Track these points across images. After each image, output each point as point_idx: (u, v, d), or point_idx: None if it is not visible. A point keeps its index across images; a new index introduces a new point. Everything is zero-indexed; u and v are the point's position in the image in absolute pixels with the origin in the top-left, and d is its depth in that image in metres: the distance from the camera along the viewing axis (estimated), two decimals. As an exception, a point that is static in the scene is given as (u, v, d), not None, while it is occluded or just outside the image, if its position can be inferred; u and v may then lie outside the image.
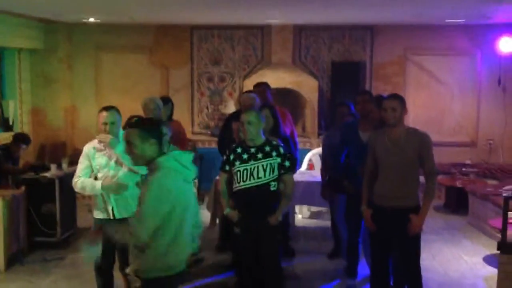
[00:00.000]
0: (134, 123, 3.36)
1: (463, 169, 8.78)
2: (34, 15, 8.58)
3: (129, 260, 4.79)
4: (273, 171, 4.55)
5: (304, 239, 7.14)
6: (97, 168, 4.58)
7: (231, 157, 4.63)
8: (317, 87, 9.42)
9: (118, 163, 4.51)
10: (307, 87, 9.41)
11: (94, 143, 4.66)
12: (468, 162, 9.11)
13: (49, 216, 6.45)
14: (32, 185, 6.45)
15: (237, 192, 4.64)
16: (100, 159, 4.58)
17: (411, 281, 4.58)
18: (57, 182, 6.49)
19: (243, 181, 4.55)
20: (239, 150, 4.63)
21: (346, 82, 9.12)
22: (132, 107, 6.33)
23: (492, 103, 9.67)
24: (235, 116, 6.08)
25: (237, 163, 4.58)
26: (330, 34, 9.79)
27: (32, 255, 6.32)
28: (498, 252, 5.07)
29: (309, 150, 8.53)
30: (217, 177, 4.93)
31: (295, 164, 5.50)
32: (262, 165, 4.53)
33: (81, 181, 4.56)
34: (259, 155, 4.56)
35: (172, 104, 6.42)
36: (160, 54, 9.96)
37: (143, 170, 4.56)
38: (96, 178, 4.59)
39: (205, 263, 6.16)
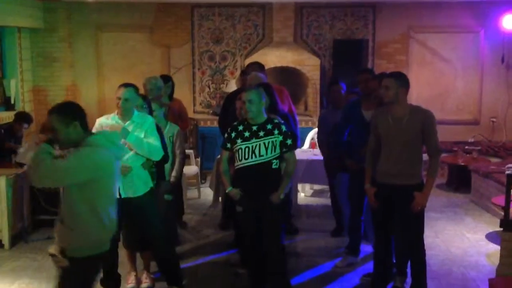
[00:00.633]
0: (52, 109, 3.34)
1: (466, 147, 8.76)
2: (34, -6, 8.51)
3: (135, 239, 4.85)
4: (274, 149, 4.54)
5: (307, 217, 7.16)
6: None
7: (233, 135, 4.62)
8: (319, 65, 9.37)
9: (127, 146, 4.50)
10: (309, 65, 9.36)
11: (106, 117, 4.66)
12: (471, 140, 9.08)
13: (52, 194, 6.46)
14: (35, 164, 6.44)
15: (238, 170, 4.63)
16: None
17: (414, 258, 4.60)
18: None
19: (245, 159, 4.54)
20: (240, 128, 4.61)
21: (348, 60, 9.04)
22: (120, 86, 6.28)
23: (496, 81, 9.62)
24: (236, 95, 6.06)
25: (239, 141, 4.57)
26: (332, 12, 9.71)
27: (36, 233, 6.35)
28: (501, 229, 5.09)
29: (311, 129, 8.51)
30: (219, 156, 4.92)
31: (296, 141, 5.49)
32: (264, 143, 4.52)
33: None
34: (261, 133, 4.54)
35: (173, 83, 6.40)
36: (160, 32, 9.89)
37: (149, 154, 4.62)
38: None
39: (207, 240, 6.27)
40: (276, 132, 4.55)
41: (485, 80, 9.66)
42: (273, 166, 4.57)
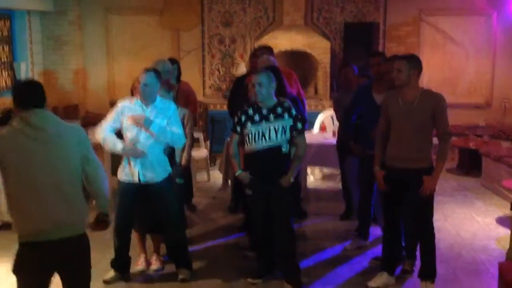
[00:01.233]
0: None
1: (477, 130, 8.70)
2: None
3: (146, 221, 4.88)
4: (284, 133, 4.53)
5: (316, 201, 7.15)
6: (126, 126, 4.57)
7: (243, 118, 4.60)
8: (330, 48, 9.31)
9: (150, 134, 4.51)
10: (319, 48, 9.30)
11: (130, 101, 4.66)
12: (482, 123, 9.02)
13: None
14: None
15: (248, 154, 4.63)
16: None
17: (424, 241, 4.59)
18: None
19: (255, 143, 4.54)
20: (250, 111, 4.60)
21: (359, 43, 8.98)
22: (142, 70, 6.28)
23: (508, 64, 9.50)
24: (245, 78, 6.04)
25: (249, 124, 4.55)
26: (343, -5, 9.63)
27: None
28: (511, 213, 5.06)
29: (321, 112, 8.48)
30: (229, 139, 4.92)
31: (304, 124, 5.48)
32: (274, 127, 4.51)
33: (104, 134, 4.54)
34: (271, 117, 4.53)
35: (179, 66, 6.36)
36: (170, 16, 9.86)
37: (172, 142, 4.62)
38: (120, 136, 4.59)
39: (216, 223, 6.29)
40: (286, 115, 4.54)
41: (497, 63, 9.56)
42: (283, 150, 4.56)
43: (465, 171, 8.45)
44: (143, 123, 4.46)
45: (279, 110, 4.55)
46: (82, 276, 3.29)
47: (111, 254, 4.84)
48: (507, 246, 5.08)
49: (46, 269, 3.14)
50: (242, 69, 9.07)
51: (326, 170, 8.23)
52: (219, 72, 9.96)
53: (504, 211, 6.54)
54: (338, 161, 6.40)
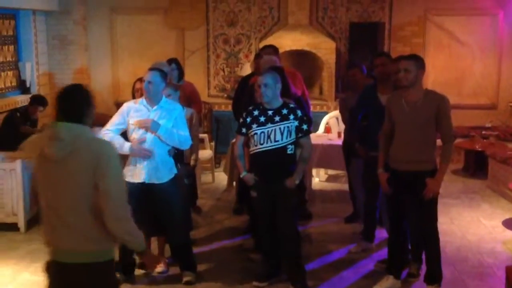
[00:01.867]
0: None
1: (483, 132, 8.65)
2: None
3: (151, 223, 4.86)
4: (290, 134, 4.50)
5: (321, 203, 7.12)
6: (132, 128, 4.56)
7: (248, 120, 4.58)
8: (335, 48, 9.26)
9: (157, 136, 4.51)
10: (325, 48, 9.26)
11: (135, 101, 4.65)
12: (488, 125, 8.96)
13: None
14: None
15: (254, 155, 4.61)
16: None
17: (428, 245, 4.56)
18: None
19: (260, 144, 4.51)
20: (256, 113, 4.57)
21: (364, 43, 8.95)
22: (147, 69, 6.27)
23: (514, 65, 9.46)
24: (250, 78, 6.01)
25: (254, 126, 4.53)
26: (348, -6, 9.59)
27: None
28: (518, 216, 5.03)
29: (326, 113, 8.45)
30: (234, 140, 4.90)
31: (310, 126, 5.45)
32: (280, 128, 4.49)
33: (110, 136, 4.51)
34: (276, 118, 4.50)
35: (179, 65, 6.31)
36: (175, 15, 9.83)
37: (179, 144, 4.57)
38: (126, 138, 4.58)
39: (221, 225, 6.27)
40: (291, 117, 4.51)
41: (503, 64, 9.50)
42: (288, 152, 4.54)
43: (471, 173, 8.40)
44: (150, 127, 4.45)
45: (284, 111, 4.53)
46: None
47: (115, 257, 4.81)
48: (514, 249, 5.05)
49: (58, 286, 2.94)
50: (247, 69, 9.05)
51: (331, 172, 8.21)
52: (224, 72, 9.94)
53: (510, 213, 6.50)
54: (343, 163, 6.37)
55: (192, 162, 5.42)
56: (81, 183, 2.74)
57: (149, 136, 4.51)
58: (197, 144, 5.49)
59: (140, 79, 4.95)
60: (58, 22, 9.53)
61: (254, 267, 5.02)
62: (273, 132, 4.49)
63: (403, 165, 4.40)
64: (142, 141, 4.50)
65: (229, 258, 5.36)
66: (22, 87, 8.94)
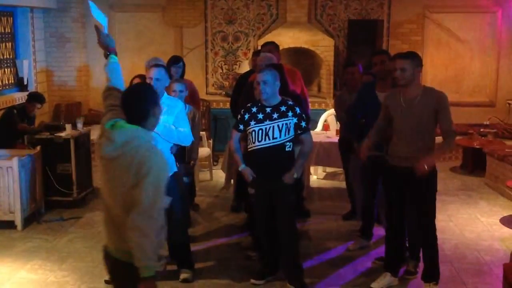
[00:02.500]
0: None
1: (481, 129, 8.65)
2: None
3: None
4: (288, 132, 4.49)
5: (319, 200, 7.12)
6: None
7: (246, 117, 4.57)
8: (333, 46, 9.26)
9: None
10: (323, 46, 9.26)
11: None
12: (486, 122, 8.97)
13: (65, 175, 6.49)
14: (48, 145, 6.48)
15: (251, 153, 4.59)
16: None
17: (425, 242, 4.55)
18: (72, 142, 6.50)
19: (258, 141, 4.50)
20: (254, 109, 4.56)
21: (362, 41, 8.95)
22: (148, 66, 6.26)
23: (512, 62, 9.47)
24: (248, 76, 6.00)
25: (252, 123, 4.52)
26: (347, -8, 9.58)
27: (49, 214, 6.38)
28: (516, 213, 5.03)
29: (324, 111, 8.44)
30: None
31: (308, 123, 5.45)
32: (278, 125, 4.47)
33: None
34: (275, 115, 4.49)
35: (183, 64, 6.33)
36: (173, 12, 9.82)
37: (179, 141, 4.57)
38: None
39: (219, 223, 6.26)
40: (290, 114, 4.50)
41: (502, 61, 9.51)
42: (287, 149, 4.52)
43: (469, 170, 8.39)
44: None
45: (283, 108, 4.51)
46: None
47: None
48: (512, 246, 5.05)
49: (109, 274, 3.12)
50: (245, 66, 9.03)
51: (329, 169, 8.20)
52: (222, 69, 9.93)
53: (508, 211, 6.50)
54: (341, 160, 6.36)
55: (193, 161, 5.42)
56: (122, 184, 2.79)
57: None
58: (198, 143, 5.49)
59: (139, 76, 4.93)
60: (56, 20, 9.54)
61: (252, 265, 5.01)
62: (271, 129, 4.47)
63: (402, 162, 4.39)
64: None
65: (226, 256, 5.35)
66: (20, 84, 8.93)
